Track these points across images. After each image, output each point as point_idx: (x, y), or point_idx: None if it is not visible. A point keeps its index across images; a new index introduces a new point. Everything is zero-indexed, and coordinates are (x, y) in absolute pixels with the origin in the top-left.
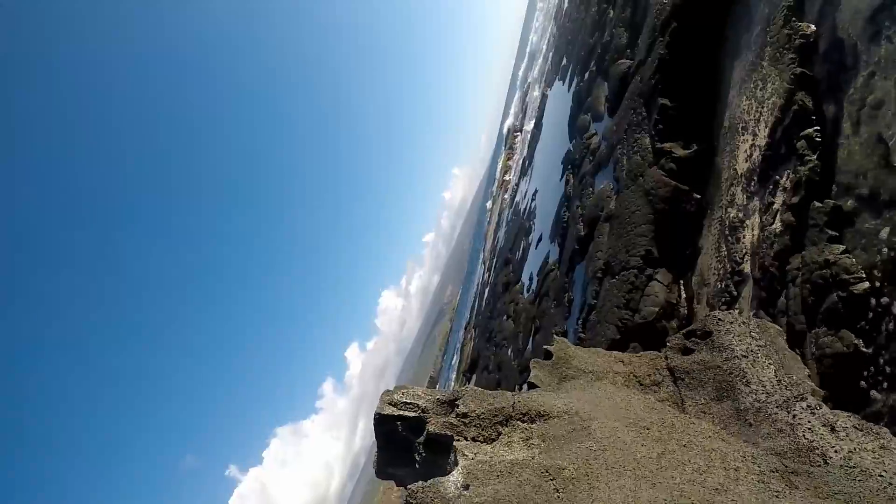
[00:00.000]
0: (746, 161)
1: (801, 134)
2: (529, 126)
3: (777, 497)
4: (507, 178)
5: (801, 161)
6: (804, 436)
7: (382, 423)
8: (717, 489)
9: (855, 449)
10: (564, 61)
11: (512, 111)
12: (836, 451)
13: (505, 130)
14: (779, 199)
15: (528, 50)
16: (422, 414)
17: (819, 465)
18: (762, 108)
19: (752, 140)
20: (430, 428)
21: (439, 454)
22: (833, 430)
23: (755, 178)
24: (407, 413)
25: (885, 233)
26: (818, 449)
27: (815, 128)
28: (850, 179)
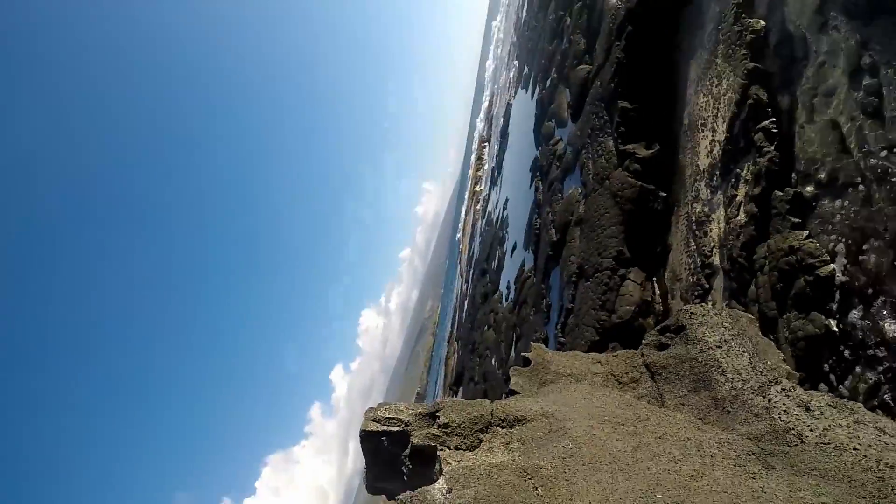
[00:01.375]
0: (708, 157)
1: (758, 126)
2: (497, 136)
3: (753, 478)
4: (477, 188)
5: (759, 153)
6: (780, 418)
7: (368, 440)
8: (692, 475)
9: (829, 426)
10: (526, 70)
11: (479, 122)
12: (811, 430)
13: (473, 142)
14: (741, 192)
15: (489, 60)
16: (405, 428)
17: (795, 445)
18: (719, 104)
19: (712, 136)
20: (414, 440)
21: (426, 465)
22: (808, 409)
23: (717, 172)
24: (390, 428)
25: (838, 203)
26: (794, 429)
27: (771, 119)
28: (808, 167)
